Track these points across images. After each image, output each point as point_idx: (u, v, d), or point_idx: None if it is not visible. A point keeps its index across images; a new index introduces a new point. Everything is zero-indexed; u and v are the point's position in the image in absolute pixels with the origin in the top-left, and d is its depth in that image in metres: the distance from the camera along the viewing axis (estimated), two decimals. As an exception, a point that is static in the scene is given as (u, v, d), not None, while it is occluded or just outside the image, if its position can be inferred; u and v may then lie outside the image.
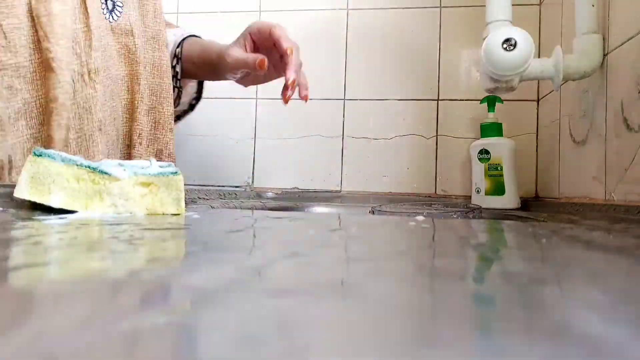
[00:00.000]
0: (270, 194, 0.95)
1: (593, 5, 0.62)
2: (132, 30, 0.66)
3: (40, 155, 0.39)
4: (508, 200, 0.82)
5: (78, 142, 0.60)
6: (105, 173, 0.40)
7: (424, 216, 0.43)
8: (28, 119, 0.56)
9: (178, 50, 0.78)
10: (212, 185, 1.03)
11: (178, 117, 0.85)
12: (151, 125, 0.71)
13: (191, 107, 0.87)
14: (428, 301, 0.14)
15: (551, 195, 0.84)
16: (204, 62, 0.76)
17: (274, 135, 1.03)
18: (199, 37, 0.82)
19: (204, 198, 0.72)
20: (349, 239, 0.29)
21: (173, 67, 0.77)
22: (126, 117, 0.68)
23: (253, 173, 1.03)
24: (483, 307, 0.14)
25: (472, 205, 0.70)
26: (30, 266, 0.18)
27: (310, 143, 1.01)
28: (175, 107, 0.80)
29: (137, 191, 0.41)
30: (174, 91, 0.78)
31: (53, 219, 0.33)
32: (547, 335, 0.11)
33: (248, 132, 1.04)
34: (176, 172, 0.43)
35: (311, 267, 0.18)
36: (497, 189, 0.83)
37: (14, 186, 0.40)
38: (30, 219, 0.34)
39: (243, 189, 1.02)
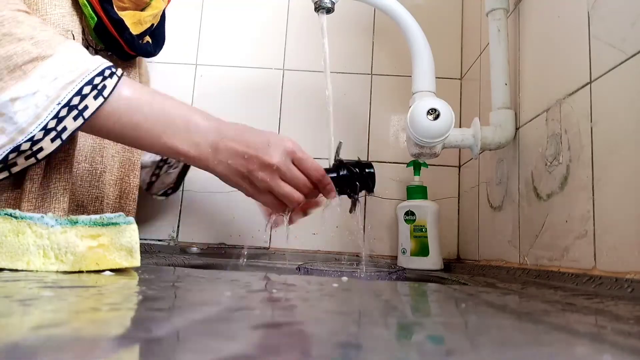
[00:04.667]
0: (195, 249, 0.91)
1: (506, 84, 0.68)
2: None
3: None
4: (432, 261, 0.85)
5: (43, 197, 0.58)
6: (49, 224, 0.36)
7: (348, 277, 0.43)
8: None
9: None
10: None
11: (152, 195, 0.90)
12: (117, 195, 0.75)
13: (165, 194, 0.90)
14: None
15: (471, 257, 0.87)
16: None
17: (202, 188, 1.01)
18: None
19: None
20: (266, 302, 0.27)
21: None
22: (87, 184, 0.70)
23: (178, 227, 0.99)
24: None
25: (396, 267, 0.71)
26: None
27: (239, 197, 0.99)
28: (168, 171, 0.85)
29: (86, 244, 0.37)
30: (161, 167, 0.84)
31: None
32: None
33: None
34: (129, 221, 0.39)
35: (217, 336, 0.17)
36: (422, 250, 0.85)
37: None
38: None
39: (167, 243, 0.97)
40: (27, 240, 0.35)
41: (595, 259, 0.46)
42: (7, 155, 0.46)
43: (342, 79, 1.03)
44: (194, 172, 1.01)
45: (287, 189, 0.59)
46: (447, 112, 0.65)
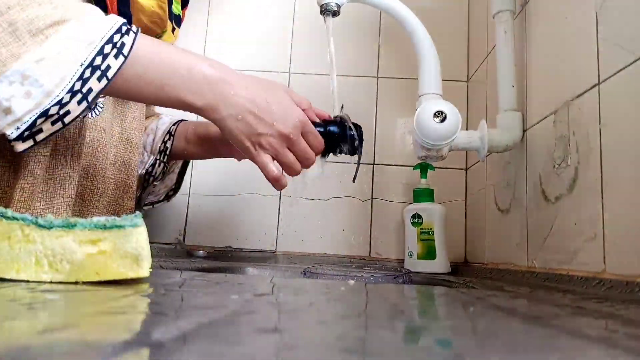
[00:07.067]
0: (201, 253, 0.91)
1: (513, 86, 0.67)
2: (104, 129, 0.72)
3: None
4: (439, 264, 0.84)
5: (45, 213, 0.61)
6: (44, 226, 0.31)
7: (355, 280, 0.43)
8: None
9: (173, 127, 0.81)
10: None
11: (152, 204, 0.87)
12: (115, 191, 0.75)
13: (167, 197, 0.88)
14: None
15: (479, 260, 0.87)
16: (198, 137, 0.78)
17: (209, 191, 1.01)
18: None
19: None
20: (271, 305, 0.27)
21: (164, 143, 0.81)
22: (79, 202, 0.70)
23: (185, 230, 0.99)
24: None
25: (402, 270, 0.71)
26: None
27: (246, 201, 1.00)
28: (154, 183, 0.83)
29: (84, 250, 0.32)
30: (160, 166, 0.82)
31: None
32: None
33: (183, 187, 1.01)
34: (135, 224, 0.33)
35: (223, 339, 0.17)
36: (429, 253, 0.85)
37: None
38: None
39: (173, 247, 0.97)
40: (18, 245, 0.31)
41: (605, 262, 0.45)
42: (35, 121, 0.46)
43: (348, 82, 1.03)
44: (200, 175, 1.01)
45: (291, 158, 0.59)
46: (453, 115, 0.64)
